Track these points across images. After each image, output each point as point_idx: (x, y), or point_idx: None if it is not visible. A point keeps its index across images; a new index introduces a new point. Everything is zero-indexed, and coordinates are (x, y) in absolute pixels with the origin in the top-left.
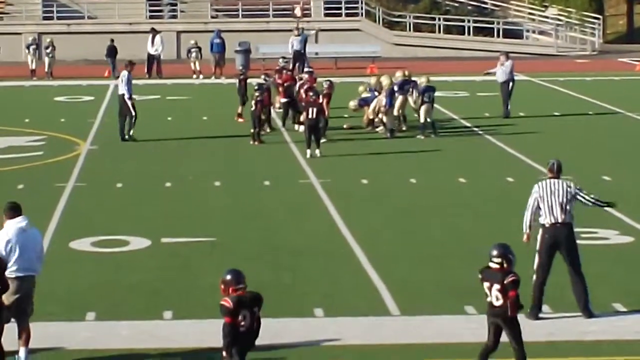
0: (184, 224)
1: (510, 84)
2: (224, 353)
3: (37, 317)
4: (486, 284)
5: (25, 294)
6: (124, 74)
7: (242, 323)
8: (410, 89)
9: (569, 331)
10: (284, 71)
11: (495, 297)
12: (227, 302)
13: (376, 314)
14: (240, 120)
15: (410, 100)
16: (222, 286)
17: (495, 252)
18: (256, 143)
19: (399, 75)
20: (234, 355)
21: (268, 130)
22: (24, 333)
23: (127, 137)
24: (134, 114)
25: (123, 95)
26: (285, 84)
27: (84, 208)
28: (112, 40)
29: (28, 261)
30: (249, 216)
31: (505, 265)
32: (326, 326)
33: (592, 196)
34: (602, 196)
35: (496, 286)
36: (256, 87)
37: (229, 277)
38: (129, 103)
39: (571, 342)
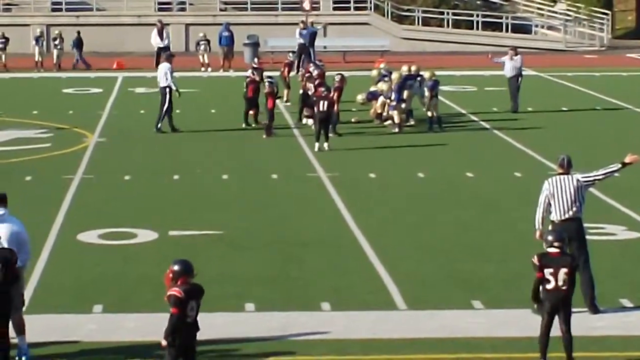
0: (191, 217)
1: (519, 78)
2: (164, 342)
3: (44, 308)
4: (549, 270)
5: None
6: (167, 66)
7: (190, 314)
8: (419, 84)
9: (577, 326)
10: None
11: (563, 280)
12: (178, 292)
13: (383, 307)
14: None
15: (419, 95)
16: (171, 276)
17: (554, 237)
18: (266, 136)
19: (404, 70)
20: (173, 346)
21: (243, 125)
22: (17, 323)
23: (155, 129)
24: (167, 106)
25: (166, 87)
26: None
27: (92, 200)
28: (79, 32)
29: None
30: (257, 209)
31: (564, 249)
32: (333, 320)
33: (600, 171)
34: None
35: (563, 270)
36: (266, 81)
37: (179, 267)
38: (168, 96)
39: (578, 337)
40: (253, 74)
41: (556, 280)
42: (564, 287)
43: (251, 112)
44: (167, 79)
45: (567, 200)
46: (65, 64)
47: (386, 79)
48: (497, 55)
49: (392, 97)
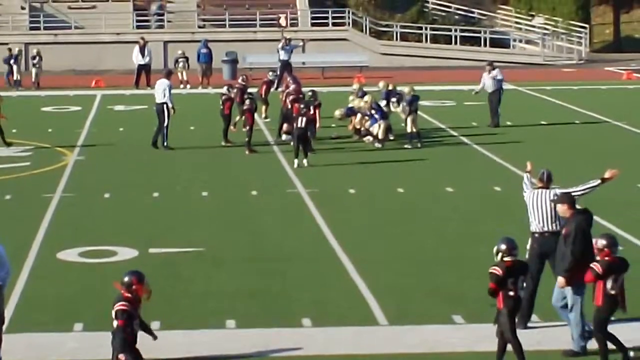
0: (171, 234)
1: (500, 92)
2: (122, 357)
3: (24, 327)
4: (511, 279)
5: None
6: (166, 83)
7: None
8: (396, 101)
9: (557, 340)
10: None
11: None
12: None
13: (364, 323)
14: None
15: (399, 110)
16: (140, 287)
17: (508, 246)
18: (248, 152)
19: (382, 86)
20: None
21: (223, 143)
22: None
23: (157, 145)
24: (166, 123)
25: (164, 104)
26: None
27: (72, 218)
28: (10, 50)
29: None
30: (237, 226)
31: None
32: (314, 336)
33: (579, 187)
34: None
35: (521, 277)
36: (245, 97)
37: (140, 278)
38: (167, 112)
39: (559, 350)
40: (228, 91)
41: (515, 290)
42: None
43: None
44: (164, 95)
45: (546, 215)
46: (44, 82)
47: (366, 98)
48: (474, 86)
49: (373, 113)
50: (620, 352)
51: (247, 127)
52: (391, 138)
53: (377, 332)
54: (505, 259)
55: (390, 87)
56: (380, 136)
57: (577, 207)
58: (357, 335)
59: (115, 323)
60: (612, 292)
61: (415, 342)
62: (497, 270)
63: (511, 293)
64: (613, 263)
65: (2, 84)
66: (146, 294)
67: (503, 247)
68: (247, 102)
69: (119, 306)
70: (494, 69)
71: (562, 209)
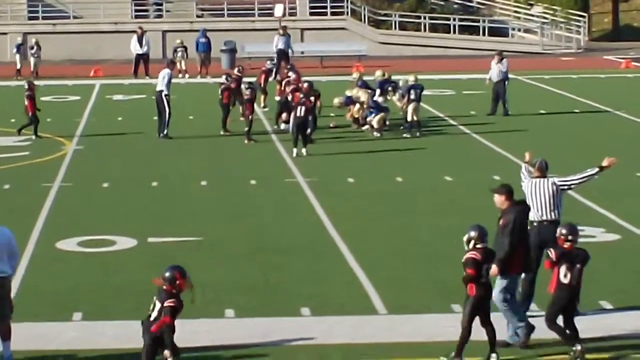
0: (170, 224)
1: (505, 82)
2: (168, 354)
3: (23, 317)
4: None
5: None
6: (167, 72)
7: None
8: (391, 90)
9: None
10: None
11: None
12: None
13: (363, 312)
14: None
15: (395, 99)
16: (183, 281)
17: (477, 233)
18: (247, 142)
19: (378, 75)
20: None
21: (221, 132)
22: (4, 332)
23: (161, 135)
24: (168, 111)
25: (161, 92)
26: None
27: (71, 208)
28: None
29: None
30: (236, 215)
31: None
32: (313, 325)
33: (577, 175)
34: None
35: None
36: (245, 87)
37: (183, 273)
38: (166, 100)
39: (558, 339)
40: (227, 80)
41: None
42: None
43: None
44: (163, 83)
45: (544, 203)
46: (43, 72)
47: (362, 97)
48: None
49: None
50: (569, 345)
51: (247, 117)
52: (386, 125)
53: (376, 321)
54: (478, 246)
55: (385, 76)
56: (375, 126)
57: (515, 198)
58: (356, 325)
59: (163, 317)
60: (565, 281)
61: (415, 332)
62: (476, 255)
63: (483, 280)
64: (569, 251)
65: (27, 73)
66: (189, 288)
67: (474, 234)
68: (248, 91)
69: (169, 303)
70: (502, 59)
71: (500, 200)
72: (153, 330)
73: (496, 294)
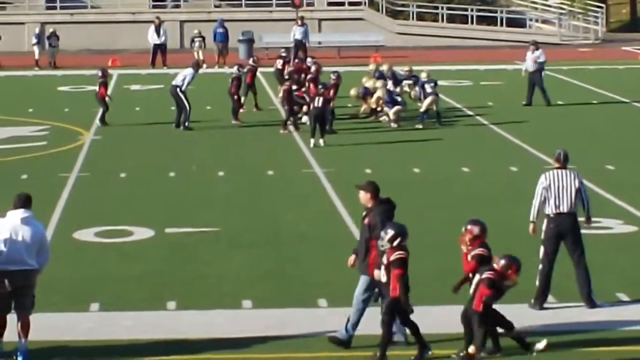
0: (187, 214)
1: (542, 73)
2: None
3: (40, 307)
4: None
5: (17, 288)
6: (190, 72)
7: None
8: (412, 83)
9: (573, 321)
10: (295, 60)
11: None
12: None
13: (378, 304)
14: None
15: (413, 94)
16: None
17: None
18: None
19: (385, 68)
20: None
21: (233, 122)
22: (22, 325)
23: (182, 127)
24: (188, 105)
25: (177, 87)
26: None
27: (88, 198)
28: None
29: (14, 255)
30: (253, 206)
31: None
32: (329, 316)
33: (589, 202)
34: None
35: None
36: (287, 77)
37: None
38: (183, 95)
39: (575, 331)
40: (239, 71)
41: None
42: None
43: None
44: (182, 80)
45: (562, 195)
46: (60, 62)
47: (379, 92)
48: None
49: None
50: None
51: (286, 107)
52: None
53: None
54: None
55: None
56: (392, 117)
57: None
58: (371, 316)
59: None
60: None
61: (429, 323)
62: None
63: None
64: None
65: (45, 63)
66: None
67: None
68: (287, 82)
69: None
70: (537, 49)
71: (365, 198)
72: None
73: (360, 293)
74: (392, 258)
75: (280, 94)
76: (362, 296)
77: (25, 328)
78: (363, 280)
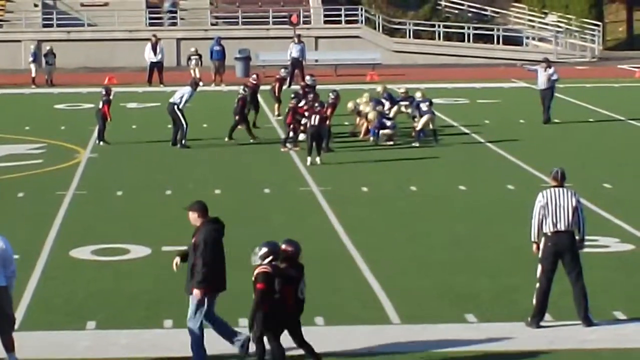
0: (184, 232)
1: (553, 90)
2: None
3: (37, 325)
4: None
5: None
6: (188, 90)
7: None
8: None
9: (570, 339)
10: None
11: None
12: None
13: (377, 322)
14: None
15: (409, 112)
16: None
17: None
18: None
19: (379, 90)
20: None
21: (226, 139)
22: (6, 341)
23: (179, 145)
24: (185, 123)
25: (174, 105)
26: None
27: (85, 216)
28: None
29: None
30: (250, 224)
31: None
32: (327, 335)
33: (584, 223)
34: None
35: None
36: (292, 96)
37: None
38: (180, 113)
39: (572, 350)
40: (244, 91)
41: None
42: None
43: (239, 126)
44: (180, 97)
45: (560, 213)
46: (57, 80)
47: (370, 115)
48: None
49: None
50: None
51: (288, 126)
52: (392, 140)
53: (390, 331)
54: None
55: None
56: (382, 136)
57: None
58: (370, 335)
59: None
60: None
61: (428, 341)
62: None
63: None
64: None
65: (41, 81)
66: None
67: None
68: (293, 101)
69: None
70: (549, 66)
71: (193, 217)
72: None
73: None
74: (255, 272)
75: (277, 113)
76: (201, 315)
77: (10, 346)
78: (192, 300)
